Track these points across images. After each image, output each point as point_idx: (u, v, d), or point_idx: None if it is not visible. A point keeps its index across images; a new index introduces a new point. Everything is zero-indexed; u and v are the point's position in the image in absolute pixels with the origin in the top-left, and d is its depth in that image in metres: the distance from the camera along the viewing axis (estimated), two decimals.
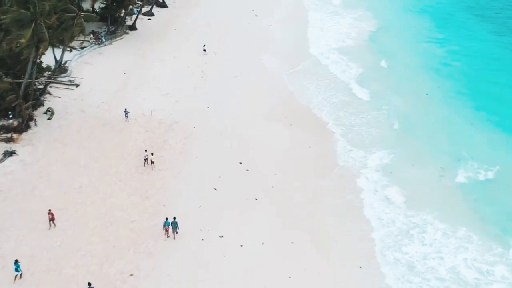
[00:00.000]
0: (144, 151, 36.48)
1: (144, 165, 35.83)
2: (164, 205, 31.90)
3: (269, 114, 44.48)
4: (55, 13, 37.87)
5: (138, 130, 40.64)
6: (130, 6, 62.56)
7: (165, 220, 29.34)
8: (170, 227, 29.20)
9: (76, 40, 49.87)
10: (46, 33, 34.75)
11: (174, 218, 29.26)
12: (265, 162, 37.35)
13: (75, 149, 37.43)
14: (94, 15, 45.94)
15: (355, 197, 34.45)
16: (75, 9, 39.27)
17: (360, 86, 49.95)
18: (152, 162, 35.78)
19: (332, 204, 33.65)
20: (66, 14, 37.83)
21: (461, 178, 36.51)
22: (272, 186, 34.72)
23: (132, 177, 34.84)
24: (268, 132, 41.58)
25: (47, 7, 34.38)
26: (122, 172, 35.19)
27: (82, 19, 39.36)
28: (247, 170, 36.32)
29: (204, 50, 57.02)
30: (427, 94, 49.41)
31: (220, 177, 35.30)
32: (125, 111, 41.64)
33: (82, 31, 40.02)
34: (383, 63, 55.50)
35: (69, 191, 32.88)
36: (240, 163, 37.00)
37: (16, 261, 25.54)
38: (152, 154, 36.02)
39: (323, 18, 71.83)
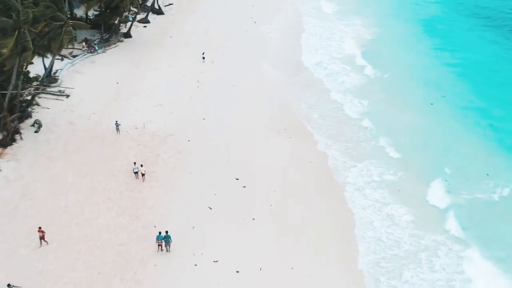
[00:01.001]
0: (133, 163, 34.57)
1: (136, 178, 33.96)
2: (155, 226, 29.70)
3: (267, 126, 42.40)
4: (44, 21, 36.06)
5: (129, 143, 38.55)
6: (125, 13, 60.79)
7: (158, 234, 27.82)
8: (163, 242, 27.78)
9: (66, 48, 48.16)
10: (30, 42, 32.72)
11: (167, 232, 27.82)
12: (263, 178, 35.23)
13: (62, 165, 35.35)
14: (83, 23, 43.95)
15: (358, 217, 32.22)
16: (64, 17, 37.24)
17: (361, 98, 47.59)
18: (143, 175, 33.90)
19: (334, 225, 31.47)
20: (54, 23, 35.81)
21: (471, 195, 34.31)
22: (271, 205, 32.57)
23: (121, 195, 32.71)
24: (267, 145, 39.48)
25: (31, 15, 32.32)
26: (111, 190, 33.07)
27: (71, 27, 37.36)
28: (244, 187, 34.21)
29: (203, 58, 55.16)
30: (432, 104, 47.31)
31: (215, 194, 33.18)
32: (116, 124, 39.59)
33: (71, 40, 38.04)
34: (384, 73, 53.42)
35: (54, 211, 30.76)
36: (237, 179, 34.90)
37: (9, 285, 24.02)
38: (141, 165, 34.16)
39: (322, 26, 69.62)
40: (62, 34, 35.93)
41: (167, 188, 33.50)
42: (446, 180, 35.47)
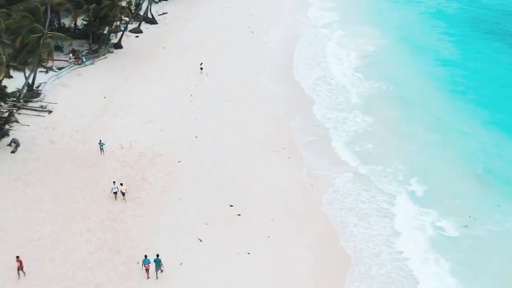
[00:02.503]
0: (113, 183, 31.57)
1: (116, 199, 31.09)
2: (138, 263, 26.38)
3: (265, 145, 39.18)
4: (20, 34, 33.03)
5: (114, 165, 35.29)
6: (117, 23, 57.85)
7: (144, 258, 25.31)
8: (152, 265, 25.31)
9: (52, 60, 45.12)
10: (3, 55, 29.60)
11: (158, 255, 25.37)
12: (260, 205, 31.94)
13: (39, 190, 32.05)
14: (63, 34, 40.71)
15: (366, 246, 29.07)
16: (42, 28, 34.13)
17: (366, 114, 44.55)
18: (123, 194, 31.07)
19: (338, 258, 28.20)
20: (32, 35, 32.71)
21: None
22: (268, 236, 29.25)
23: (102, 225, 29.39)
24: (264, 166, 36.22)
25: (3, 25, 29.24)
26: (90, 219, 29.73)
27: (50, 39, 34.24)
28: (239, 215, 30.92)
29: (201, 68, 52.24)
30: (440, 119, 44.21)
31: (206, 224, 29.88)
32: (99, 143, 36.39)
33: (50, 53, 34.87)
34: (390, 86, 50.44)
35: (25, 245, 27.40)
36: (231, 205, 31.63)
37: None
38: (121, 184, 31.30)
39: (323, 36, 67.00)
40: (40, 46, 32.76)
41: (152, 217, 30.16)
42: (469, 216, 32.07)
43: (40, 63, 36.11)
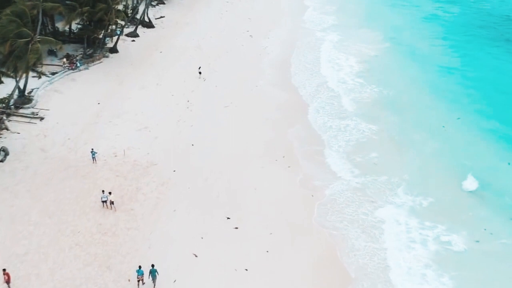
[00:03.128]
0: (102, 191, 30.51)
1: (104, 207, 30.11)
2: (129, 280, 25.04)
3: (264, 153, 37.83)
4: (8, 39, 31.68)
5: (106, 174, 33.92)
6: (113, 26, 56.59)
7: (138, 268, 24.52)
8: (148, 276, 24.54)
9: (45, 65, 43.93)
10: None
11: (153, 265, 24.80)
12: (258, 217, 30.58)
13: (27, 201, 30.67)
14: (53, 39, 39.36)
15: (368, 261, 27.71)
16: (30, 32, 32.79)
17: (367, 121, 43.10)
18: (112, 203, 29.97)
19: (340, 273, 26.82)
20: (19, 40, 31.36)
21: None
22: (267, 251, 27.88)
23: (92, 238, 28.00)
24: (263, 176, 34.86)
25: None
26: (80, 232, 28.36)
27: (39, 44, 32.91)
28: (236, 228, 29.55)
29: (200, 72, 51.11)
30: (443, 126, 42.87)
31: (202, 238, 28.51)
32: (92, 152, 35.03)
33: (39, 58, 33.51)
34: (391, 92, 49.18)
35: (11, 260, 26.06)
36: (228, 218, 30.27)
37: None
38: (110, 193, 30.23)
39: (323, 40, 65.71)
40: (28, 52, 31.41)
41: (145, 230, 28.77)
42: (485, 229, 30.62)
43: (28, 69, 34.69)
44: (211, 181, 33.86)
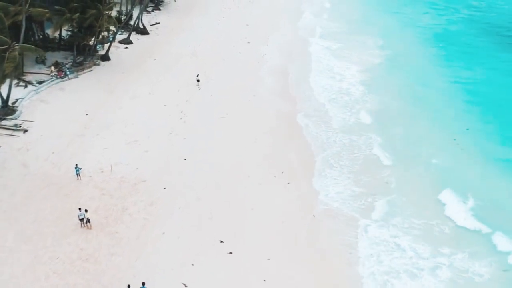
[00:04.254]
0: (78, 209, 28.09)
1: (81, 226, 27.97)
2: None
3: (261, 168, 35.30)
4: None
5: (91, 193, 31.42)
6: (105, 33, 54.34)
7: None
8: None
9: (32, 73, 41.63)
10: None
11: (143, 283, 23.51)
12: (255, 241, 28.04)
13: (3, 224, 28.17)
14: (33, 46, 36.95)
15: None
16: (7, 39, 30.39)
17: (374, 134, 40.50)
18: (88, 221, 27.81)
19: None
20: None
21: None
22: (264, 280, 25.34)
23: (72, 266, 25.47)
24: (260, 194, 32.31)
25: None
26: (59, 259, 25.84)
27: (17, 52, 30.51)
28: (231, 253, 27.01)
29: (198, 80, 48.92)
30: (455, 139, 40.36)
31: (193, 264, 25.98)
32: (76, 168, 32.56)
33: (17, 68, 31.12)
34: (398, 102, 46.78)
35: None
36: (222, 242, 27.74)
37: None
38: (86, 210, 28.04)
39: (323, 47, 63.34)
40: (5, 60, 29.01)
41: (131, 256, 26.22)
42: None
43: (4, 78, 32.26)
44: (204, 200, 31.35)
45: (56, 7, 44.64)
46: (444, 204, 31.94)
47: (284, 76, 53.22)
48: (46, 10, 42.62)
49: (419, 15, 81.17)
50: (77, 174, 32.52)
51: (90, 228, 27.91)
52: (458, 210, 31.26)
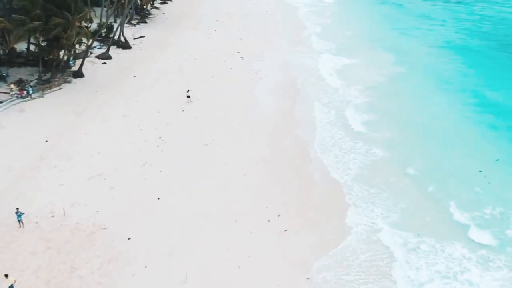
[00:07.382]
0: (5, 276, 21.51)
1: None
2: None
3: (252, 210, 28.55)
4: None
5: (34, 245, 24.65)
6: (77, 46, 48.12)
7: None
8: None
9: None
10: None
11: None
12: None
13: None
14: None
15: None
16: None
17: (385, 165, 33.99)
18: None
19: None
20: None
21: None
22: None
23: None
24: (250, 246, 25.47)
25: None
26: None
27: None
28: None
29: (188, 97, 43.28)
30: (481, 171, 33.84)
31: None
32: (17, 213, 25.84)
33: None
34: (411, 125, 40.47)
35: None
36: None
37: None
38: (6, 276, 21.68)
39: (322, 63, 56.99)
40: None
41: None
42: None
43: None
44: (178, 255, 24.55)
45: (15, 15, 38.36)
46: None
47: (278, 94, 46.81)
48: (1, 19, 36.39)
49: (437, 28, 75.60)
50: (18, 220, 25.79)
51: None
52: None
